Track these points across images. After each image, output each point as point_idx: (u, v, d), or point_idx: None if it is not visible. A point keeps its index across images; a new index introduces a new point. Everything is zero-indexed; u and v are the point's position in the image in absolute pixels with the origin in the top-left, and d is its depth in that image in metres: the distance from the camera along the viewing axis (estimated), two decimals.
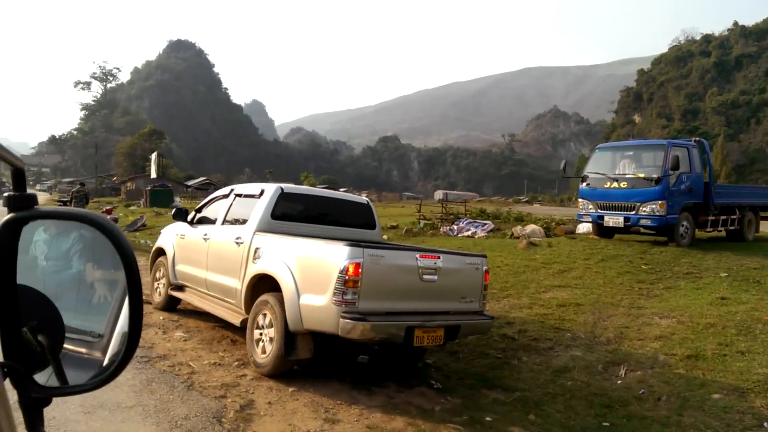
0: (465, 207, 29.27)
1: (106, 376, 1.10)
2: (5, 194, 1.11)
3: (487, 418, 5.85)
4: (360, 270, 5.64)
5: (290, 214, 7.73)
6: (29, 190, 1.05)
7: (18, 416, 0.95)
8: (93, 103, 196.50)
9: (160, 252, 9.64)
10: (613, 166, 15.96)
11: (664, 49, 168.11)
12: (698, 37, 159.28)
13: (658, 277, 11.52)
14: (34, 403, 1.02)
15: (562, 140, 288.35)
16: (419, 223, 24.06)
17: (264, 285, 6.79)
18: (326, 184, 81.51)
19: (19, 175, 1.03)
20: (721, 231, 17.28)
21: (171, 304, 9.34)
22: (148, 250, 16.91)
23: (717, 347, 7.50)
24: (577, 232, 19.31)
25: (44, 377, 1.05)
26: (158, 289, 9.56)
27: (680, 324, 8.52)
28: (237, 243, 7.35)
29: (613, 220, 15.20)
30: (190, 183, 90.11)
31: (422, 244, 15.68)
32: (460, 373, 7.29)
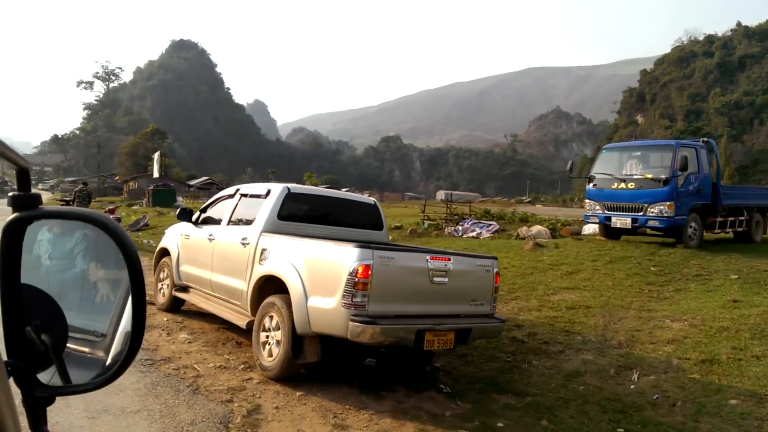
0: (469, 207, 29.12)
1: (109, 375, 1.10)
2: (10, 194, 1.07)
3: (499, 424, 5.71)
4: (370, 272, 5.51)
5: (297, 215, 7.60)
6: (32, 190, 1.06)
7: (21, 416, 0.91)
8: (96, 102, 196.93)
9: (164, 252, 9.52)
10: (620, 167, 15.82)
11: (667, 50, 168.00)
12: (701, 38, 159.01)
13: (667, 279, 11.38)
14: (38, 402, 1.02)
15: (564, 141, 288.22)
16: (423, 223, 23.94)
17: (270, 287, 6.66)
18: (328, 184, 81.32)
19: (23, 175, 1.03)
20: (728, 232, 17.12)
21: (175, 305, 9.21)
22: (151, 249, 16.82)
23: (731, 351, 7.36)
24: (583, 233, 19.19)
25: (47, 376, 1.06)
26: (162, 290, 9.43)
27: (692, 327, 8.38)
28: (243, 244, 7.22)
29: (620, 221, 15.06)
30: (192, 183, 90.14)
31: (427, 245, 15.54)
32: (470, 376, 7.15)
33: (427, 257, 6.10)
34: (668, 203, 14.22)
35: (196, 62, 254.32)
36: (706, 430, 5.67)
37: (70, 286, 1.27)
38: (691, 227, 14.87)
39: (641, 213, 14.66)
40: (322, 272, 5.98)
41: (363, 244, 5.81)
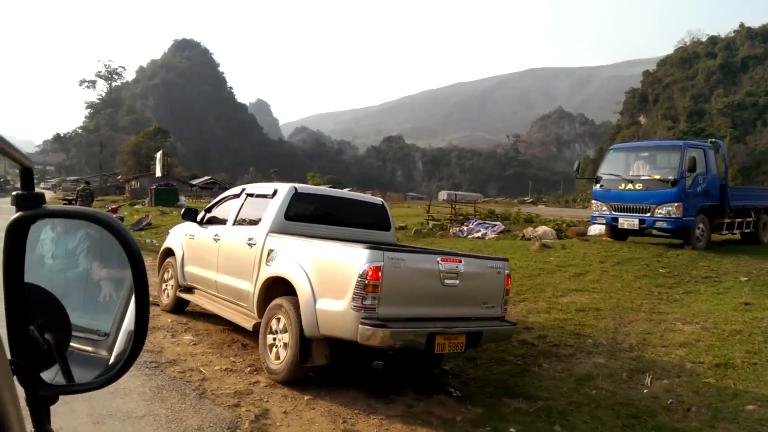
0: (474, 208, 28.99)
1: (112, 374, 1.11)
2: (14, 193, 1.06)
3: (512, 429, 5.59)
4: (380, 274, 5.40)
5: (304, 215, 7.49)
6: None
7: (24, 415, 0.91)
8: (98, 101, 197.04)
9: (169, 252, 9.41)
10: (627, 167, 15.69)
11: (670, 51, 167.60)
12: (704, 39, 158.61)
13: (676, 281, 11.26)
14: (41, 401, 1.02)
15: (566, 141, 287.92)
16: (428, 223, 23.81)
17: (277, 288, 6.55)
18: (331, 184, 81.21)
19: (27, 174, 1.02)
20: (735, 234, 16.99)
21: (179, 306, 9.11)
22: (154, 249, 16.76)
23: (746, 355, 7.24)
24: (588, 233, 19.06)
25: (51, 375, 1.06)
26: (166, 291, 9.32)
27: (704, 330, 8.26)
28: (249, 244, 7.11)
29: (627, 222, 14.93)
30: (194, 182, 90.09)
31: (432, 246, 15.43)
32: (479, 380, 7.03)
33: (438, 259, 5.98)
34: (676, 204, 14.10)
35: (199, 61, 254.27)
36: None
37: (73, 286, 1.28)
38: (699, 228, 14.74)
39: (649, 214, 14.53)
40: (331, 274, 5.87)
41: (373, 245, 5.69)
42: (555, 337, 8.19)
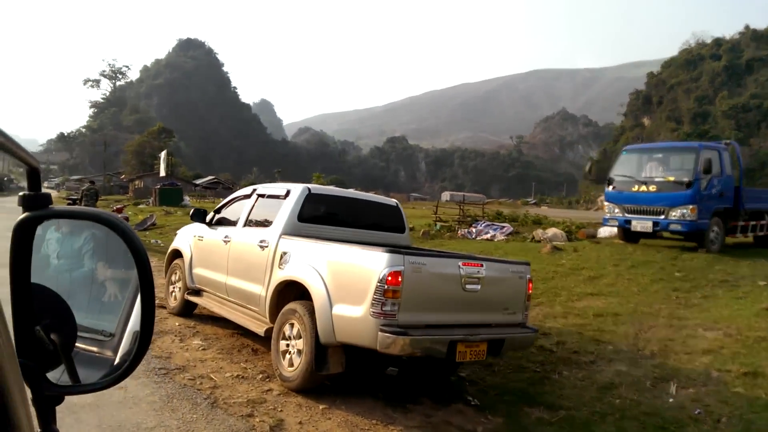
0: (483, 209, 28.73)
1: (117, 375, 1.11)
2: (21, 194, 1.04)
3: None
4: (400, 279, 5.17)
5: (317, 216, 7.26)
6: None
7: None
8: (102, 100, 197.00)
9: (176, 254, 9.18)
10: (639, 169, 15.44)
11: (674, 53, 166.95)
12: (709, 41, 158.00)
13: (693, 285, 11.02)
14: (47, 401, 1.01)
15: (570, 143, 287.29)
16: (435, 225, 23.58)
17: (290, 292, 6.33)
18: (334, 185, 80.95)
19: (34, 175, 1.01)
20: (748, 236, 16.73)
21: (187, 309, 8.89)
22: (159, 249, 16.57)
23: None
24: (599, 235, 18.83)
25: (56, 376, 1.06)
26: (174, 293, 9.10)
27: (728, 337, 8.02)
28: (261, 246, 6.88)
29: (641, 224, 14.68)
30: (198, 182, 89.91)
31: (441, 247, 15.22)
32: (498, 388, 6.80)
33: (459, 263, 5.75)
34: (691, 207, 13.85)
35: (203, 61, 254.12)
36: None
37: (79, 286, 1.28)
38: (713, 231, 14.50)
39: (663, 216, 14.28)
40: (348, 278, 5.64)
41: (393, 249, 5.46)
42: (574, 344, 7.96)
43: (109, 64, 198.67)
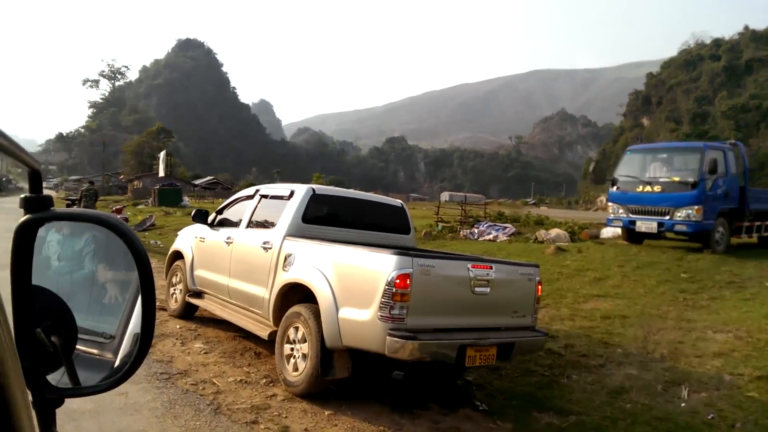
0: (484, 210, 28.57)
1: (118, 377, 1.11)
2: (22, 196, 1.04)
3: None
4: (409, 282, 5.03)
5: (321, 217, 7.12)
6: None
7: None
8: (101, 101, 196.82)
9: (177, 255, 9.03)
10: (643, 169, 15.31)
11: (674, 53, 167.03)
12: (708, 41, 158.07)
13: (700, 287, 10.89)
14: (47, 404, 1.01)
15: (569, 143, 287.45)
16: (437, 225, 23.44)
17: (294, 295, 6.19)
18: (333, 185, 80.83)
19: (35, 177, 1.02)
20: (752, 237, 16.61)
21: (188, 312, 8.75)
22: (159, 250, 16.43)
23: None
24: (601, 236, 18.70)
25: (56, 378, 1.05)
26: (174, 296, 8.96)
27: (738, 340, 7.89)
28: (264, 248, 6.74)
29: (645, 225, 14.55)
30: (197, 182, 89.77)
31: (444, 248, 15.12)
32: (506, 392, 6.66)
33: (469, 265, 5.61)
34: (696, 207, 13.72)
35: (203, 61, 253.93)
36: None
37: (79, 288, 1.28)
38: (718, 232, 14.37)
39: (668, 217, 14.15)
40: (355, 281, 5.50)
41: (401, 250, 5.33)
42: (582, 347, 7.82)
43: (108, 65, 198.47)
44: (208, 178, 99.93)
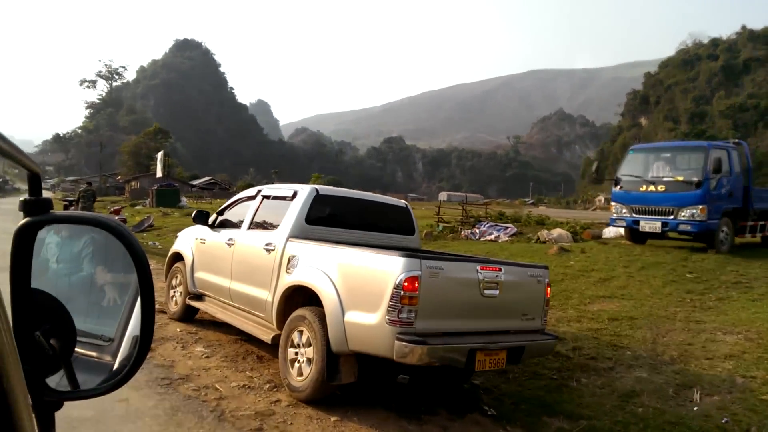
0: (485, 210, 28.42)
1: (117, 380, 1.10)
2: (21, 199, 1.02)
3: None
4: (417, 284, 4.89)
5: (325, 218, 6.97)
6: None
7: None
8: (98, 101, 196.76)
9: (177, 257, 8.88)
10: (646, 169, 15.17)
11: (672, 53, 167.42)
12: (706, 41, 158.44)
13: (706, 287, 10.76)
14: (46, 407, 1.00)
15: (567, 143, 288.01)
16: (438, 226, 23.29)
17: (298, 298, 6.04)
18: (331, 185, 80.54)
19: (35, 180, 1.01)
20: (756, 237, 16.49)
21: (188, 314, 8.58)
22: (157, 251, 16.28)
23: None
24: (604, 236, 18.57)
25: (55, 381, 1.05)
26: (174, 298, 8.80)
27: (749, 341, 7.75)
28: (267, 250, 6.59)
29: (649, 225, 14.41)
30: (195, 182, 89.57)
31: (446, 249, 14.99)
32: (514, 396, 6.51)
33: (477, 267, 5.47)
34: (701, 207, 13.59)
35: (200, 62, 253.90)
36: None
37: (78, 290, 1.27)
38: (722, 232, 14.24)
39: (672, 217, 14.02)
40: (361, 284, 5.35)
41: (409, 252, 5.19)
42: (591, 349, 7.68)
43: (106, 65, 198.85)
44: (206, 178, 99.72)
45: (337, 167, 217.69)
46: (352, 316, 5.21)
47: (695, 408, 6.13)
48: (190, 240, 8.61)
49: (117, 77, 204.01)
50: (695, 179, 13.79)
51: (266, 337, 6.32)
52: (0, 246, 0.91)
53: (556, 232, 18.32)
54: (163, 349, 7.06)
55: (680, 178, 14.14)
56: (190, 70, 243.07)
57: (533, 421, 5.82)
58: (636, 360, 7.35)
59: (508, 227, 20.79)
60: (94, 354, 1.19)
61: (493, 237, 19.60)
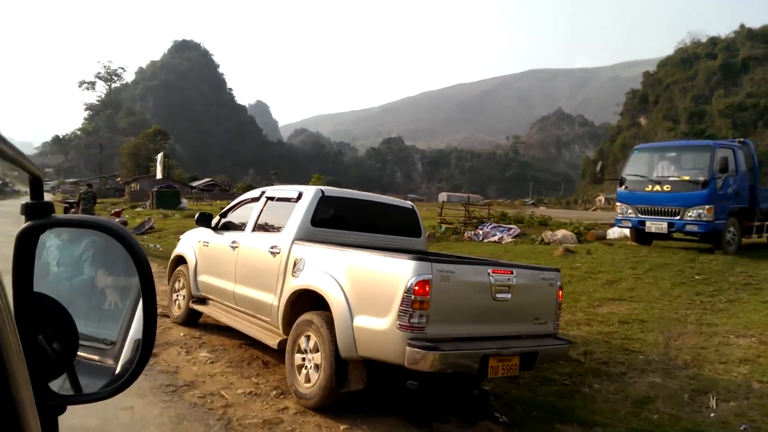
0: (488, 210, 28.27)
1: (119, 384, 1.09)
2: (23, 202, 1.03)
3: None
4: (428, 288, 4.74)
5: (330, 220, 6.82)
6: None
7: None
8: (97, 103, 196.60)
9: (180, 260, 8.72)
10: (651, 168, 15.03)
11: (670, 52, 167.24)
12: (704, 40, 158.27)
13: (716, 289, 10.62)
14: (49, 411, 0.99)
15: (566, 142, 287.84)
16: (440, 227, 23.14)
17: (305, 302, 5.89)
18: (330, 186, 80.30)
19: (36, 183, 1.01)
20: (762, 237, 16.34)
21: (191, 319, 8.42)
22: (158, 254, 16.12)
23: None
24: (608, 237, 18.43)
25: (58, 385, 1.04)
26: (177, 302, 8.64)
27: (763, 344, 7.62)
28: (272, 253, 6.44)
29: (655, 225, 14.26)
30: (194, 184, 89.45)
31: (449, 250, 14.83)
32: (525, 402, 6.36)
33: (489, 270, 5.33)
34: (707, 207, 13.44)
35: (199, 63, 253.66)
36: None
37: (79, 293, 1.25)
38: (729, 232, 14.09)
39: (678, 217, 13.87)
40: (370, 287, 5.20)
41: (419, 255, 5.05)
42: (602, 353, 7.53)
43: (105, 66, 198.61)
44: (206, 179, 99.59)
45: (336, 168, 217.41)
46: (361, 321, 5.06)
47: (712, 414, 5.99)
48: (193, 243, 8.46)
49: (116, 78, 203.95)
50: (701, 179, 13.65)
51: (272, 342, 6.17)
52: (0, 249, 0.84)
53: (560, 233, 18.17)
54: (167, 355, 6.91)
55: (686, 178, 13.99)
56: (188, 71, 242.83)
57: (546, 429, 5.69)
58: (649, 364, 7.21)
59: (511, 228, 20.64)
60: (96, 358, 1.19)
61: (496, 238, 19.45)
